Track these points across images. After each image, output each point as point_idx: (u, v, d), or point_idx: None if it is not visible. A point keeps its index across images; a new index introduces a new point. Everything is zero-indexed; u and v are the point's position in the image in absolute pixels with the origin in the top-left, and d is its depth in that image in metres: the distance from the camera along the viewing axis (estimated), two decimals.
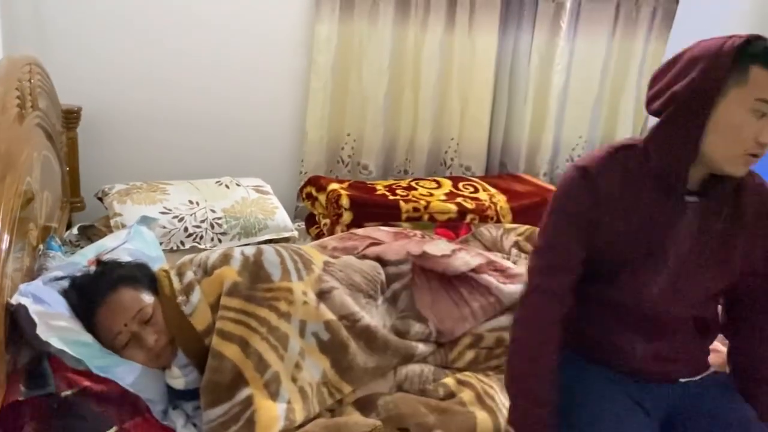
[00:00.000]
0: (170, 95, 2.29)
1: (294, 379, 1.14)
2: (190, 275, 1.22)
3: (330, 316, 1.22)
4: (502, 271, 1.51)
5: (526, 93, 2.71)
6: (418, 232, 1.63)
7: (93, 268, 1.28)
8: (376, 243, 1.48)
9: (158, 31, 2.21)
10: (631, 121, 2.88)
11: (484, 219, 2.24)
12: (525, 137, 2.75)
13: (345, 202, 2.08)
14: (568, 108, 2.80)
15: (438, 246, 1.49)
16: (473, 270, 1.46)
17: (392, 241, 1.51)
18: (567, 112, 2.80)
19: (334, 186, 2.17)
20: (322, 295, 1.24)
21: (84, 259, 1.37)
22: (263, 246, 1.30)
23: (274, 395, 1.10)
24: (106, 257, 1.33)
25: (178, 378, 1.15)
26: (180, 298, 1.18)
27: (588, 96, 2.80)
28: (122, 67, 2.20)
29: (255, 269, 1.22)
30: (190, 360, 1.17)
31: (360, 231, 1.57)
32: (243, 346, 1.13)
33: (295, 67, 2.43)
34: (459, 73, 2.60)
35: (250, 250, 1.27)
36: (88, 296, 1.19)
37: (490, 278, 1.46)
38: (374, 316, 1.31)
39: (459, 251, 1.50)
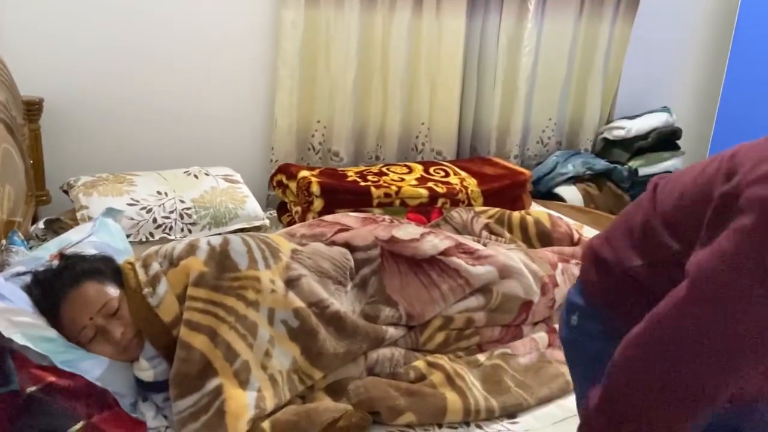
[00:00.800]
0: (136, 85, 2.25)
1: (264, 367, 1.14)
2: (155, 267, 1.21)
3: (299, 303, 1.22)
4: (470, 253, 1.52)
5: (495, 76, 2.72)
6: (387, 217, 1.64)
7: (56, 262, 1.26)
8: (345, 229, 1.48)
9: (121, 19, 2.17)
10: (600, 103, 2.91)
11: (455, 203, 2.25)
12: (495, 120, 2.77)
13: (316, 189, 2.08)
14: (537, 90, 2.82)
15: (406, 230, 1.50)
16: (442, 253, 1.48)
17: (360, 226, 1.51)
18: (536, 95, 2.82)
19: (304, 173, 2.16)
20: (291, 282, 1.24)
21: (47, 253, 1.35)
22: (230, 235, 1.29)
23: (244, 384, 1.10)
24: (69, 251, 1.31)
25: (147, 370, 1.15)
26: (146, 290, 1.17)
27: (556, 78, 2.82)
28: (85, 56, 2.15)
29: (221, 259, 1.21)
30: (158, 352, 1.16)
31: (328, 217, 1.57)
32: (211, 335, 1.12)
33: (262, 54, 2.40)
34: (427, 58, 2.59)
35: (216, 240, 1.26)
36: (51, 291, 1.18)
37: (459, 261, 1.48)
38: (344, 302, 1.32)
39: (427, 235, 1.51)
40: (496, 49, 2.69)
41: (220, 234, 1.98)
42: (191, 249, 1.22)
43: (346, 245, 1.42)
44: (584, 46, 2.84)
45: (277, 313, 1.20)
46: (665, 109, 2.88)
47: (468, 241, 1.60)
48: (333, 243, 1.42)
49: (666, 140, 2.82)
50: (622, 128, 2.81)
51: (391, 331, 1.35)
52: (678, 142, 2.87)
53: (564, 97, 2.87)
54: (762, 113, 2.80)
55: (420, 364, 1.31)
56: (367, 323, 1.31)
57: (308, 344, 1.20)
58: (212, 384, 1.09)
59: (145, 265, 1.21)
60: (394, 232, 1.47)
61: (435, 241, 1.49)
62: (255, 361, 1.14)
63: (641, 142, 2.78)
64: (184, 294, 1.16)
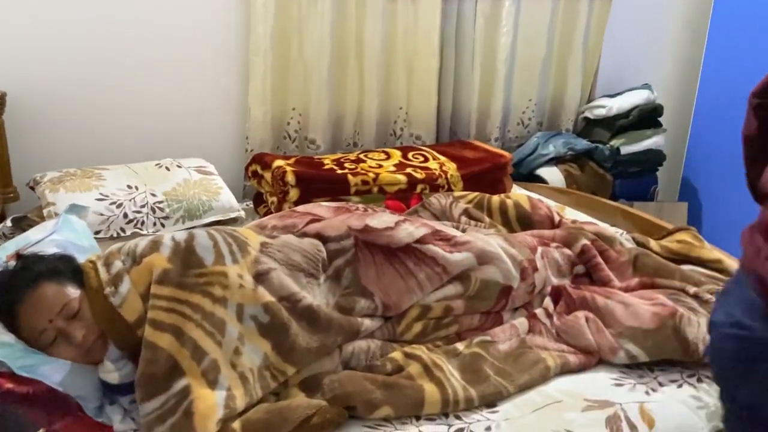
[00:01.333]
0: (103, 76, 2.18)
1: (233, 365, 1.10)
2: (118, 265, 1.16)
3: (269, 298, 1.18)
4: (447, 240, 1.48)
5: (473, 57, 2.67)
6: (361, 206, 1.60)
7: (12, 263, 1.21)
8: (317, 219, 1.43)
9: (85, 7, 2.09)
10: (580, 82, 2.87)
11: (434, 188, 2.21)
12: (474, 102, 2.72)
13: (291, 178, 2.03)
14: (516, 71, 2.77)
15: (381, 219, 1.45)
16: (418, 241, 1.44)
17: (333, 216, 1.47)
18: (515, 75, 2.78)
19: (279, 163, 2.11)
20: (260, 277, 1.20)
21: (4, 254, 1.30)
22: (195, 230, 1.25)
23: (212, 383, 1.06)
24: (27, 251, 1.26)
25: (112, 372, 1.10)
26: (108, 290, 1.13)
27: (536, 58, 2.78)
28: (49, 47, 2.08)
29: (186, 255, 1.17)
30: (123, 353, 1.12)
31: (300, 208, 1.52)
32: (177, 334, 1.08)
33: (233, 41, 2.34)
34: (404, 40, 2.54)
35: (181, 235, 1.21)
36: (6, 294, 1.13)
37: (436, 248, 1.44)
38: (316, 295, 1.28)
39: (403, 223, 1.47)
40: (473, 29, 2.64)
41: (195, 227, 1.96)
42: (154, 245, 1.18)
43: (318, 236, 1.37)
44: (563, 24, 2.79)
45: (246, 309, 1.16)
46: (646, 86, 2.85)
47: (445, 227, 1.57)
48: (305, 234, 1.38)
49: (648, 117, 2.79)
50: (603, 107, 2.78)
51: (367, 323, 1.31)
52: (660, 119, 2.84)
53: (544, 77, 2.83)
54: (743, 86, 2.76)
55: (397, 355, 1.28)
56: (341, 316, 1.27)
57: (280, 340, 1.16)
58: (179, 384, 1.05)
59: (107, 264, 1.16)
60: (368, 221, 1.43)
61: (410, 229, 1.45)
62: (224, 359, 1.10)
63: (623, 120, 2.75)
64: (147, 292, 1.12)
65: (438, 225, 1.57)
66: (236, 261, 1.20)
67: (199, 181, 2.04)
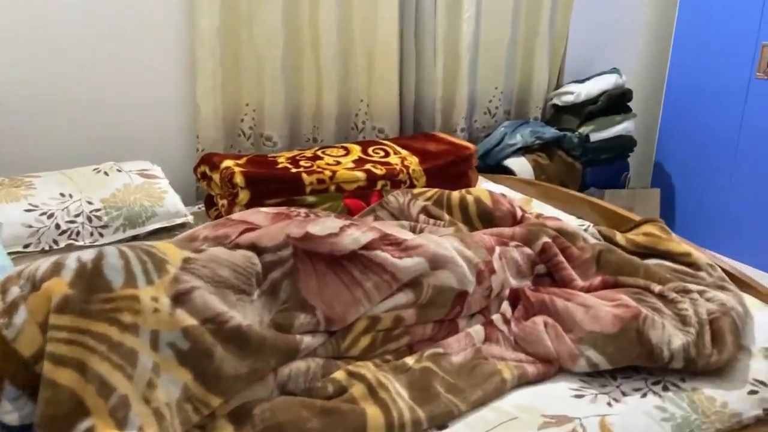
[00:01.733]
0: (36, 74, 2.04)
1: (147, 401, 0.99)
2: (15, 291, 1.04)
3: (190, 321, 1.07)
4: (397, 245, 1.38)
5: (435, 44, 2.56)
6: (303, 211, 1.49)
7: None
8: (252, 228, 1.32)
9: (14, 4, 1.95)
10: (547, 68, 2.77)
11: (396, 184, 2.11)
12: (438, 92, 2.62)
13: (239, 180, 1.91)
14: (481, 58, 2.67)
15: (324, 224, 1.35)
16: (365, 247, 1.33)
17: (271, 224, 1.36)
18: (480, 63, 2.67)
19: (227, 163, 1.99)
20: (180, 298, 1.09)
21: None
22: (106, 248, 1.13)
23: (122, 423, 0.95)
24: None
25: (11, 413, 0.99)
26: (0, 321, 1.01)
27: (501, 44, 2.67)
28: None
29: (92, 277, 1.05)
30: (22, 391, 1.00)
31: (236, 215, 1.40)
32: (80, 369, 0.97)
33: (177, 35, 2.21)
34: (361, 28, 2.42)
35: (88, 255, 1.10)
36: None
37: (384, 254, 1.34)
38: (248, 314, 1.17)
39: (348, 228, 1.36)
40: (434, 15, 2.53)
41: (138, 236, 1.85)
42: (56, 268, 1.06)
43: (253, 247, 1.26)
44: (528, 9, 2.69)
45: (162, 336, 1.05)
46: (614, 70, 2.76)
47: (397, 230, 1.46)
48: (237, 246, 1.26)
49: (617, 103, 2.71)
50: (571, 93, 2.69)
51: (308, 340, 1.21)
52: (630, 104, 2.76)
53: (510, 64, 2.73)
54: (714, 70, 2.69)
55: (340, 375, 1.18)
56: (277, 335, 1.17)
57: (202, 368, 1.06)
58: (83, 425, 0.94)
59: (4, 291, 1.04)
60: (309, 227, 1.32)
61: (356, 234, 1.35)
62: (135, 394, 0.99)
63: (591, 106, 2.66)
64: (47, 322, 1.00)
65: (390, 228, 1.47)
66: (151, 282, 1.08)
67: (141, 185, 1.92)
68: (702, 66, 2.75)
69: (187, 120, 2.31)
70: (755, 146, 2.58)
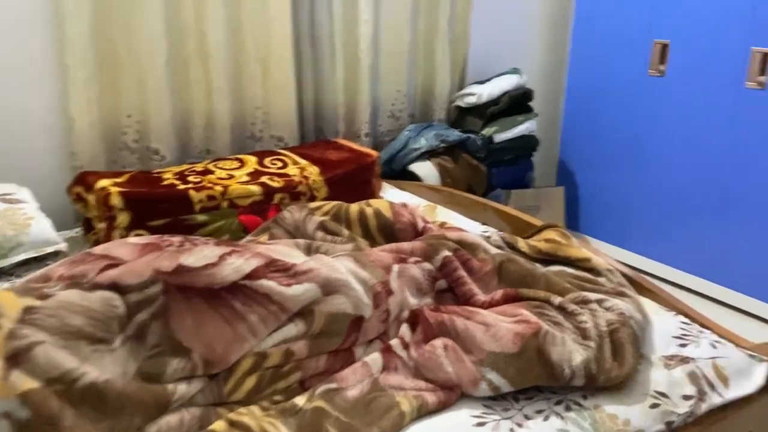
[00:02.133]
0: None
1: None
2: None
3: (30, 384, 0.92)
4: (285, 270, 1.27)
5: (333, 48, 2.46)
6: (176, 239, 1.34)
7: None
8: (115, 264, 1.17)
9: None
10: (449, 69, 2.73)
11: (295, 197, 2.00)
12: (340, 97, 2.52)
13: (117, 201, 1.74)
14: (382, 61, 2.59)
15: (200, 254, 1.21)
16: (248, 276, 1.21)
17: (138, 257, 1.21)
18: (381, 66, 2.60)
19: (103, 183, 1.81)
20: (16, 357, 0.93)
21: None
22: None
23: None
24: None
25: None
26: None
27: (401, 46, 2.61)
28: None
29: None
30: None
31: (98, 249, 1.24)
32: None
33: (43, 44, 1.99)
34: (252, 30, 2.28)
35: None
36: None
37: (270, 282, 1.22)
38: (107, 366, 1.02)
39: (230, 255, 1.24)
40: (329, 17, 2.42)
41: (1, 269, 1.64)
42: None
43: (114, 286, 1.11)
44: (427, 11, 2.64)
45: None
46: (515, 70, 2.75)
47: (287, 253, 1.35)
48: (96, 286, 1.11)
49: (519, 103, 2.70)
50: (473, 94, 2.66)
51: (182, 389, 1.08)
52: (531, 104, 2.76)
53: (411, 67, 2.67)
54: (612, 67, 2.74)
55: (219, 426, 1.05)
56: (142, 387, 1.03)
57: None
58: None
59: None
60: (183, 259, 1.18)
61: (238, 263, 1.22)
62: None
63: (494, 107, 2.64)
64: None
65: (279, 251, 1.35)
66: None
67: (3, 212, 1.71)
68: (599, 64, 2.79)
69: (60, 136, 2.10)
70: (654, 141, 2.65)
